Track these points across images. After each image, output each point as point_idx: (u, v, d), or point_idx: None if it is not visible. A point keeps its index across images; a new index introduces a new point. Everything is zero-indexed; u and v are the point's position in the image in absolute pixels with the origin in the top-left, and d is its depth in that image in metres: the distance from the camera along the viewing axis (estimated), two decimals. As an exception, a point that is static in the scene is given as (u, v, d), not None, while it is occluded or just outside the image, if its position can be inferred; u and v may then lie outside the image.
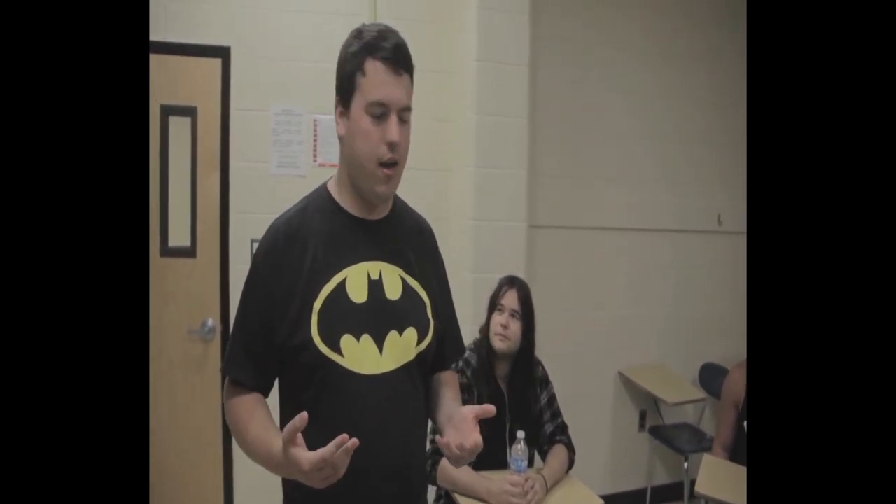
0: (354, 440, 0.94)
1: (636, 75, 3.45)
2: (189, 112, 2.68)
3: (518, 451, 1.84)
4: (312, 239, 1.16)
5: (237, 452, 2.75)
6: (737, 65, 3.61)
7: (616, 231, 3.46)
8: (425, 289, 1.25)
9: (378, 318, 1.16)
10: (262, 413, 1.16)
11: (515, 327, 2.11)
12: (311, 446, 1.01)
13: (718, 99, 3.64)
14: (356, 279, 1.16)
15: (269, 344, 1.16)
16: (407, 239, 1.27)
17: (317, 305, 1.13)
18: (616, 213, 3.44)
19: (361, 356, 1.14)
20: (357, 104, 1.12)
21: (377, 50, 1.11)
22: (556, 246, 3.30)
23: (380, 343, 1.16)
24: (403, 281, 1.21)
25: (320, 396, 1.14)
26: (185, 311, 2.70)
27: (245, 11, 2.72)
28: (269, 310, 1.15)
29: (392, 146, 1.12)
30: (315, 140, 2.80)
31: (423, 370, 1.25)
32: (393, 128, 1.11)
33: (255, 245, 2.93)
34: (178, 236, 2.69)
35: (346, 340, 1.13)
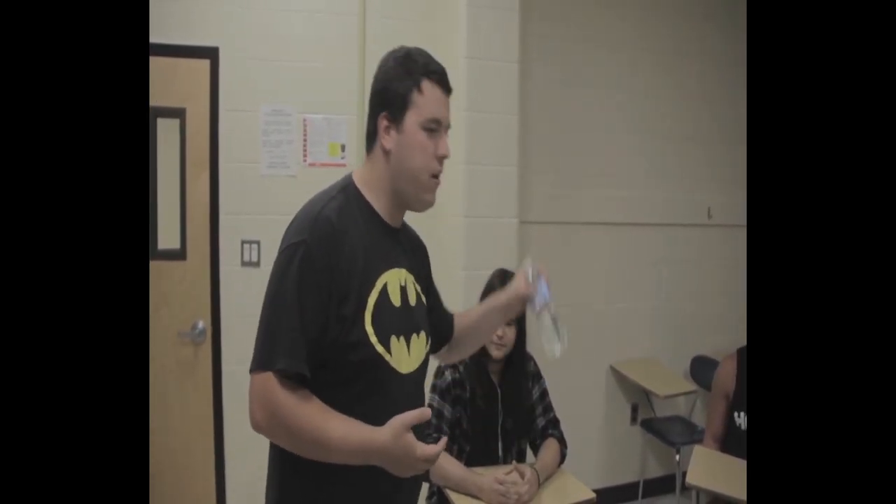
0: (444, 439, 1.18)
1: (625, 71, 3.47)
2: (178, 114, 2.67)
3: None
4: (359, 241, 1.19)
5: (229, 454, 2.75)
6: (725, 60, 3.64)
7: (607, 226, 3.48)
8: (425, 294, 1.38)
9: (408, 321, 1.26)
10: (340, 416, 1.12)
11: (511, 334, 2.09)
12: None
13: (706, 93, 3.66)
14: (393, 284, 1.24)
15: (321, 340, 1.13)
16: (414, 248, 1.39)
17: (370, 304, 1.18)
18: (606, 208, 3.45)
19: (400, 356, 1.22)
20: (411, 120, 1.21)
21: (432, 73, 1.23)
22: (547, 242, 3.31)
23: (409, 345, 1.25)
24: (416, 288, 1.32)
25: (367, 393, 1.18)
26: (176, 314, 2.69)
27: (233, 11, 2.71)
28: (327, 305, 1.13)
29: (441, 159, 1.24)
30: (305, 140, 2.80)
31: (426, 366, 1.35)
32: (445, 143, 1.24)
33: (248, 245, 2.90)
34: (168, 238, 2.68)
35: (393, 340, 1.21)
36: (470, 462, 2.02)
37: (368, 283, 1.19)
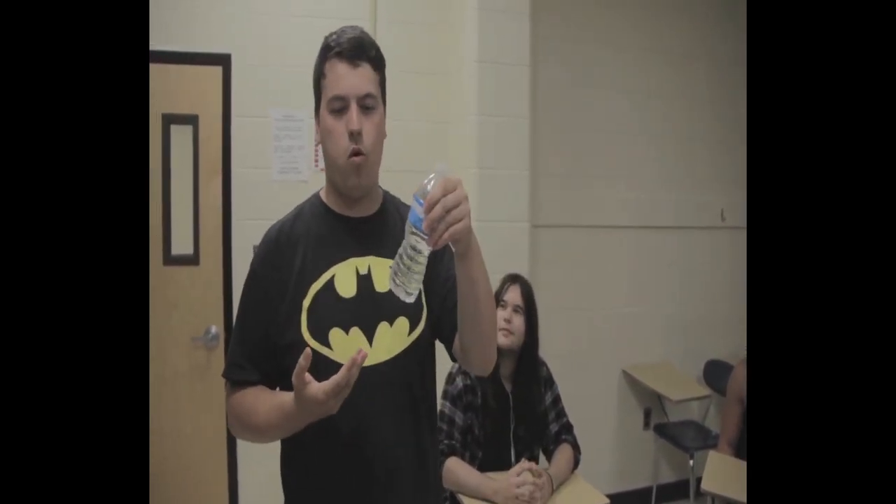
0: (364, 353, 0.99)
1: (636, 74, 3.46)
2: (190, 120, 2.69)
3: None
4: (303, 240, 1.20)
5: (242, 459, 2.76)
6: (735, 62, 3.61)
7: (619, 229, 3.46)
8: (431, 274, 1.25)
9: (367, 310, 1.17)
10: (269, 392, 1.17)
11: (519, 322, 2.12)
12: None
13: (718, 95, 3.64)
14: (344, 275, 1.18)
15: (269, 345, 1.18)
16: (397, 231, 1.27)
17: (306, 303, 1.16)
18: (618, 211, 3.44)
19: (351, 349, 1.09)
20: (322, 106, 1.17)
21: (331, 49, 1.15)
22: (559, 245, 3.30)
23: (370, 335, 1.17)
24: None
25: None
26: (189, 319, 2.71)
27: (245, 18, 2.73)
28: (266, 311, 1.18)
29: (353, 135, 1.13)
30: (316, 145, 2.81)
31: (419, 357, 1.23)
32: (352, 117, 1.13)
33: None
34: (181, 244, 2.70)
35: (335, 333, 1.15)
36: (482, 469, 2.01)
37: (307, 281, 1.17)
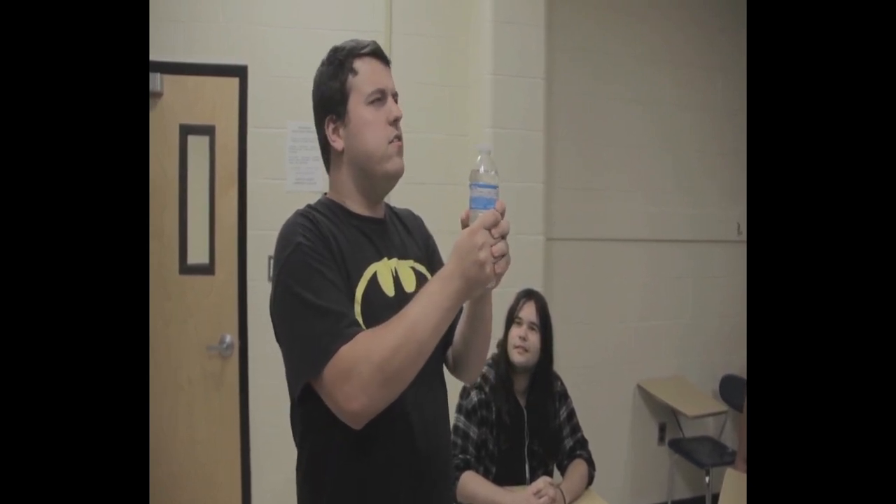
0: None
1: (652, 86, 3.44)
2: (207, 131, 2.71)
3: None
4: (336, 234, 1.16)
5: (255, 467, 2.76)
6: (752, 74, 3.60)
7: (634, 242, 3.44)
8: (431, 273, 1.29)
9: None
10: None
11: (534, 339, 2.10)
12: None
13: (735, 108, 3.62)
14: (384, 274, 1.19)
15: (351, 301, 1.10)
16: (409, 229, 1.33)
17: (358, 293, 1.13)
18: (634, 224, 3.42)
19: None
20: (355, 103, 1.18)
21: (361, 48, 1.20)
22: (574, 258, 3.29)
23: None
24: (415, 271, 1.25)
25: None
26: (204, 328, 2.72)
27: (261, 30, 2.76)
28: (334, 270, 1.09)
29: (396, 122, 1.19)
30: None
31: (440, 352, 1.28)
32: (393, 106, 1.19)
33: (272, 262, 2.94)
34: (197, 254, 2.72)
35: None
36: (497, 484, 1.99)
37: (355, 271, 1.14)
